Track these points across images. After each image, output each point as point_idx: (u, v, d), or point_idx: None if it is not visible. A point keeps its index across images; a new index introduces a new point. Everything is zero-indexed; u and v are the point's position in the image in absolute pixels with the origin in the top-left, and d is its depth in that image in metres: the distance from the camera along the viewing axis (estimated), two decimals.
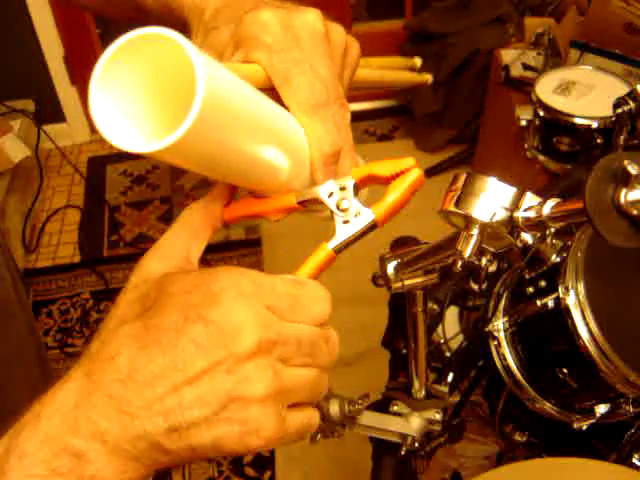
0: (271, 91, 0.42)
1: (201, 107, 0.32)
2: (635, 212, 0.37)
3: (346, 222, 0.43)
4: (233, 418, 0.34)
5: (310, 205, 0.44)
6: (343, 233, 0.43)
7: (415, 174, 0.43)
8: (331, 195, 0.43)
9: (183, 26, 0.49)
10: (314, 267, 0.42)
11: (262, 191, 0.45)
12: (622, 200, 0.37)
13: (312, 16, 0.42)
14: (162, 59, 0.35)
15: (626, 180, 0.37)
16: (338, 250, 0.43)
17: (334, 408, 0.77)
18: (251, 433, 0.35)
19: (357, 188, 0.44)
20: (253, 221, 2.33)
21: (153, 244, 0.41)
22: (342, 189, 0.43)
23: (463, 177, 0.48)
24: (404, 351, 0.87)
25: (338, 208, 0.43)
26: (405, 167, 0.43)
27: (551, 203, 0.43)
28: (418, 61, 0.66)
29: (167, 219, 2.38)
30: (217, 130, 0.35)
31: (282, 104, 0.43)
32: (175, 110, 0.36)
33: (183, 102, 0.34)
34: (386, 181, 0.43)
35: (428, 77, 0.66)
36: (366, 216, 0.43)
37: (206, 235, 0.42)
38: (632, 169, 0.37)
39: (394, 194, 0.43)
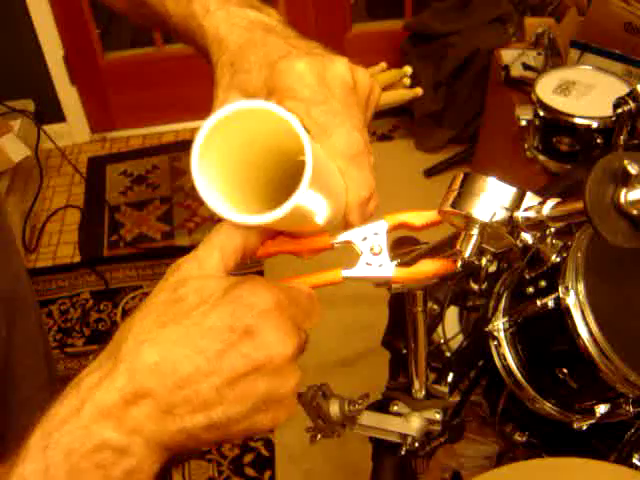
0: None
1: (311, 176, 0.34)
2: (635, 212, 0.37)
3: (369, 264, 0.46)
4: (269, 409, 0.39)
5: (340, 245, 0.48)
6: (360, 270, 0.47)
7: (448, 264, 0.48)
8: (365, 239, 0.47)
9: (204, 53, 0.51)
10: (321, 282, 0.46)
11: (299, 233, 0.46)
12: (622, 200, 0.37)
13: (342, 67, 0.45)
14: (243, 129, 0.37)
15: (626, 180, 0.37)
16: (347, 279, 0.47)
17: (334, 408, 0.77)
18: (282, 414, 0.40)
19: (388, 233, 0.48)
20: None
21: (192, 250, 0.43)
22: (375, 234, 0.47)
23: (463, 177, 0.47)
24: (404, 351, 0.87)
25: (371, 251, 0.47)
26: (437, 219, 0.48)
27: (551, 203, 0.43)
28: (409, 69, 0.69)
29: (167, 219, 2.38)
30: (313, 193, 0.37)
31: None
32: (256, 170, 0.39)
33: (267, 162, 0.37)
34: (416, 229, 0.48)
35: (418, 90, 0.69)
36: (386, 271, 0.46)
37: (237, 260, 0.43)
38: (632, 169, 0.37)
39: (422, 269, 0.48)
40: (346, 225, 0.47)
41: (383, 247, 0.47)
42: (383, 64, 0.68)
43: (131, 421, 0.36)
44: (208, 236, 0.42)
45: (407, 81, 0.68)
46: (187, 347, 0.37)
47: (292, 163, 0.38)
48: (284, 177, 0.42)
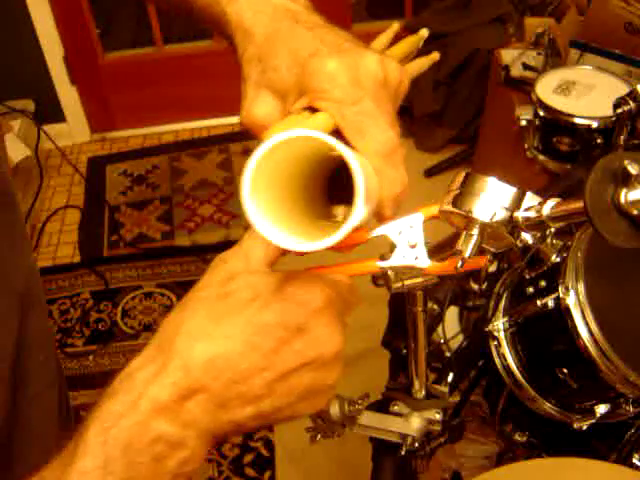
0: (334, 134, 0.44)
1: (363, 200, 0.35)
2: (635, 212, 0.37)
3: (404, 257, 0.48)
4: (312, 398, 0.41)
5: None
6: (395, 261, 0.48)
7: (479, 259, 0.50)
8: (400, 233, 0.48)
9: (229, 40, 0.50)
10: (358, 272, 0.49)
11: None
12: (622, 200, 0.37)
13: (373, 63, 0.44)
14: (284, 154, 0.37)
15: (626, 180, 0.37)
16: (382, 269, 0.49)
17: (334, 408, 0.77)
18: (323, 400, 0.41)
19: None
20: None
21: (236, 243, 0.44)
22: (411, 227, 0.48)
23: (463, 177, 0.47)
24: (404, 351, 0.87)
25: (408, 244, 0.48)
26: None
27: (551, 203, 0.43)
28: (425, 32, 0.66)
29: (167, 219, 2.38)
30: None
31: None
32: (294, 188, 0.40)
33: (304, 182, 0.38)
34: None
35: (435, 56, 0.66)
36: (421, 263, 0.48)
37: (279, 255, 0.44)
38: (632, 169, 0.37)
39: (454, 263, 0.49)
40: (379, 219, 0.47)
41: (419, 240, 0.48)
42: (395, 25, 0.64)
43: (186, 415, 0.37)
44: (250, 230, 0.43)
45: (420, 43, 0.66)
46: (241, 344, 0.38)
47: (322, 157, 0.37)
48: (317, 166, 0.42)
